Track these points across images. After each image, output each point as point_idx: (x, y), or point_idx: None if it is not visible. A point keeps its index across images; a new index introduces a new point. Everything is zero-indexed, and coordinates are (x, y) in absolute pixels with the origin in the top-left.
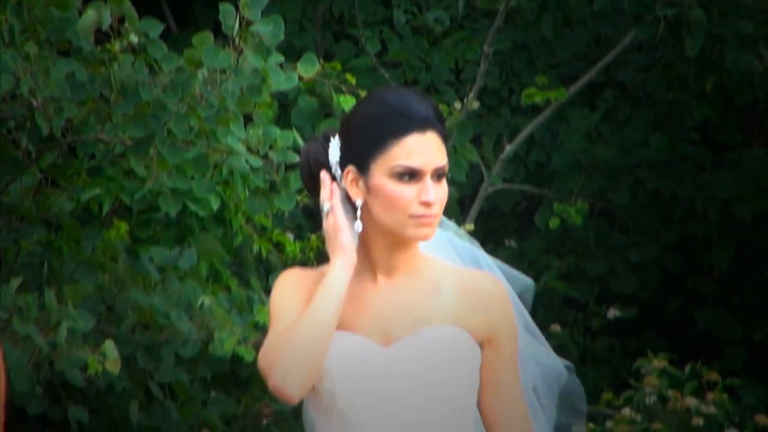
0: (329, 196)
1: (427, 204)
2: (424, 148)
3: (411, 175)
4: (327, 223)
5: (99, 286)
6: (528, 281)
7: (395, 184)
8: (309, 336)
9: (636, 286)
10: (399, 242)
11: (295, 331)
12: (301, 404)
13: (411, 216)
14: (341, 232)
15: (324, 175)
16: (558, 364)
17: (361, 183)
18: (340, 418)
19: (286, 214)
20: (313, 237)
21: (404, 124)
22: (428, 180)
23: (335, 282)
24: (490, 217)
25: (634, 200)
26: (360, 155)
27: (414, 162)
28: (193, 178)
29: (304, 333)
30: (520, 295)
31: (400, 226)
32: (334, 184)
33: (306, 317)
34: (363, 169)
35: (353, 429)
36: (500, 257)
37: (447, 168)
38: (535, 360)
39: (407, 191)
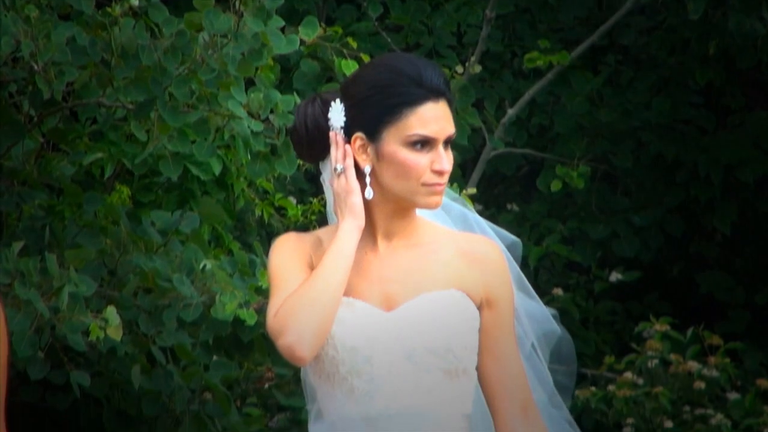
0: (343, 157)
1: (440, 173)
2: (438, 117)
3: (425, 143)
4: (338, 184)
5: (101, 251)
6: (515, 239)
7: (409, 152)
8: (321, 296)
9: (638, 249)
10: (403, 209)
11: (307, 291)
12: (301, 369)
13: (424, 184)
14: (352, 194)
15: (336, 136)
16: (551, 320)
17: (370, 150)
18: (342, 384)
19: (288, 178)
20: (315, 201)
21: (419, 93)
22: (441, 148)
23: (345, 244)
24: (492, 180)
25: (636, 164)
26: (371, 122)
27: (429, 131)
28: (194, 142)
29: (316, 293)
30: (508, 253)
31: (411, 194)
32: (348, 146)
33: (317, 278)
34: (374, 136)
35: (355, 394)
36: (502, 221)
37: (455, 136)
38: (528, 316)
39: (421, 159)
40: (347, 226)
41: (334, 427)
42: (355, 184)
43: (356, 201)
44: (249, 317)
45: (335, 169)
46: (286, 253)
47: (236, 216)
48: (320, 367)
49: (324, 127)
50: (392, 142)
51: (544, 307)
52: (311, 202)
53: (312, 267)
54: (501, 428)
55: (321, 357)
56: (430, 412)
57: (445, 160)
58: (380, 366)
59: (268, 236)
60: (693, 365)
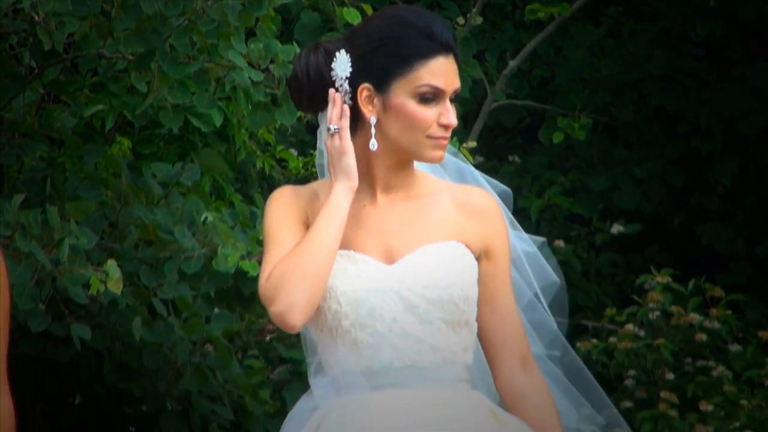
0: (338, 117)
1: (447, 126)
2: (446, 71)
3: (434, 96)
4: (332, 144)
5: (102, 203)
6: (506, 189)
7: (417, 104)
8: (311, 262)
9: (639, 201)
10: (404, 162)
11: (297, 257)
12: None
13: (429, 137)
14: (346, 155)
15: (334, 95)
16: (547, 266)
17: (376, 101)
18: (345, 337)
19: (290, 130)
20: (316, 153)
21: (430, 46)
22: (447, 102)
23: (337, 207)
24: (494, 132)
25: (637, 115)
26: (380, 74)
27: (439, 82)
28: (194, 94)
29: (306, 259)
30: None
31: (416, 146)
32: (346, 106)
33: (308, 243)
34: (382, 87)
35: (358, 347)
36: (504, 173)
37: (459, 91)
38: (530, 262)
39: (429, 112)
40: (340, 188)
41: (337, 381)
42: (349, 145)
43: (350, 162)
44: (251, 269)
45: (329, 129)
46: (281, 209)
47: (237, 168)
48: (322, 320)
49: (326, 77)
50: (401, 94)
51: (539, 253)
52: (312, 154)
53: (306, 224)
54: (500, 380)
55: (323, 310)
56: (434, 364)
57: (452, 114)
58: (383, 319)
59: (269, 188)
60: (694, 317)
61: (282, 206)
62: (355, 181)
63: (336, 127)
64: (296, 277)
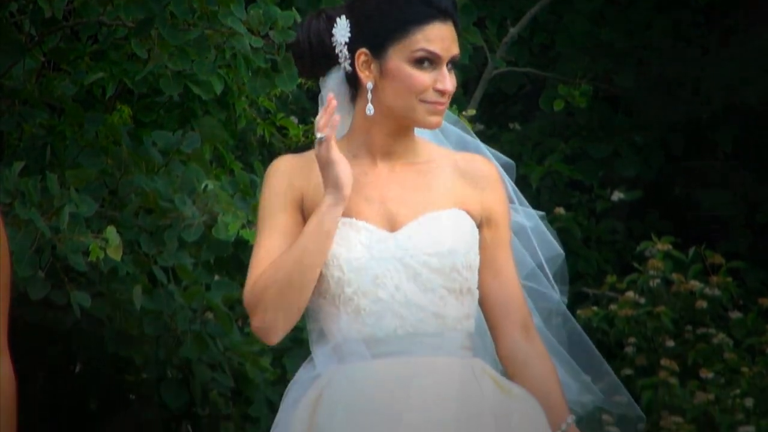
0: (325, 125)
1: (442, 92)
2: (444, 37)
3: (430, 61)
4: (319, 153)
5: (102, 170)
6: (508, 160)
7: (413, 68)
8: (292, 283)
9: (640, 168)
10: (403, 128)
11: (280, 274)
12: None
13: (424, 101)
14: (333, 165)
15: (328, 98)
16: (551, 238)
17: (373, 66)
18: (348, 305)
19: (290, 97)
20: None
21: (427, 12)
22: (444, 69)
23: (324, 219)
24: (494, 100)
25: (638, 83)
26: (376, 38)
27: (435, 47)
28: (194, 60)
29: (287, 279)
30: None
31: (411, 111)
32: (336, 116)
33: (291, 260)
34: (378, 52)
35: (361, 315)
36: (504, 140)
37: (458, 58)
38: (534, 235)
39: (424, 77)
40: (329, 199)
41: (339, 349)
42: (336, 155)
43: (338, 173)
44: (251, 237)
45: (317, 137)
46: (275, 189)
47: (237, 136)
48: (325, 288)
49: (327, 43)
50: (397, 59)
51: (541, 223)
52: (313, 122)
53: (300, 205)
54: (502, 347)
55: (326, 278)
56: (437, 332)
57: (448, 80)
58: (386, 286)
59: (270, 156)
60: (695, 284)
61: (276, 186)
62: (345, 191)
63: (323, 135)
64: (276, 299)
